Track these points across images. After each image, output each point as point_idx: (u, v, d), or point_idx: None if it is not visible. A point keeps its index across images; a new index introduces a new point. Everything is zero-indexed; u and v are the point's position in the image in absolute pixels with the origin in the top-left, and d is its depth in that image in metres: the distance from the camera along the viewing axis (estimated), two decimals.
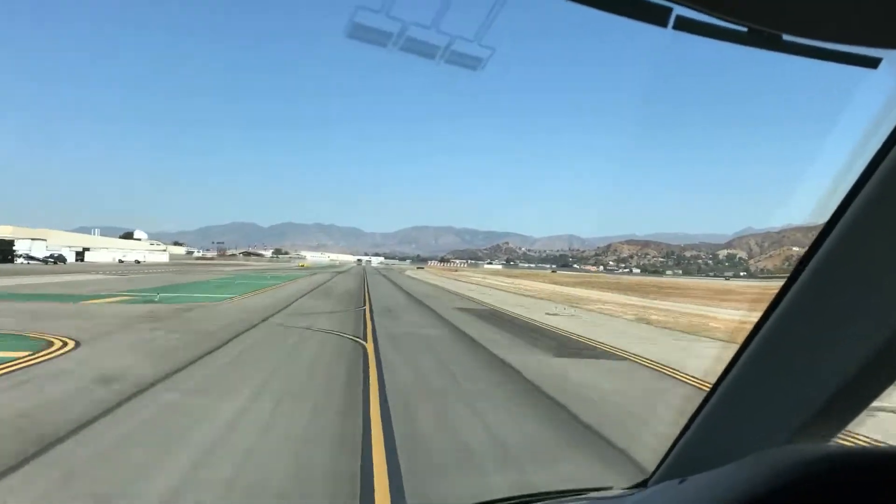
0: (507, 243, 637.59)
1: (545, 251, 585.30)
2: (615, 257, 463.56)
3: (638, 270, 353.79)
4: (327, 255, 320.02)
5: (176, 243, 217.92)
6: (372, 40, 0.88)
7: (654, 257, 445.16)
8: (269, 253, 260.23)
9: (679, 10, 0.66)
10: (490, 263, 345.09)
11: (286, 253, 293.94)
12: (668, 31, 0.69)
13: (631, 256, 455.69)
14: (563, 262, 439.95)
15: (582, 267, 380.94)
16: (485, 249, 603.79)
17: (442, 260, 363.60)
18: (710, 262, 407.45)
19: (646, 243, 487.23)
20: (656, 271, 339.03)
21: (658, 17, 0.68)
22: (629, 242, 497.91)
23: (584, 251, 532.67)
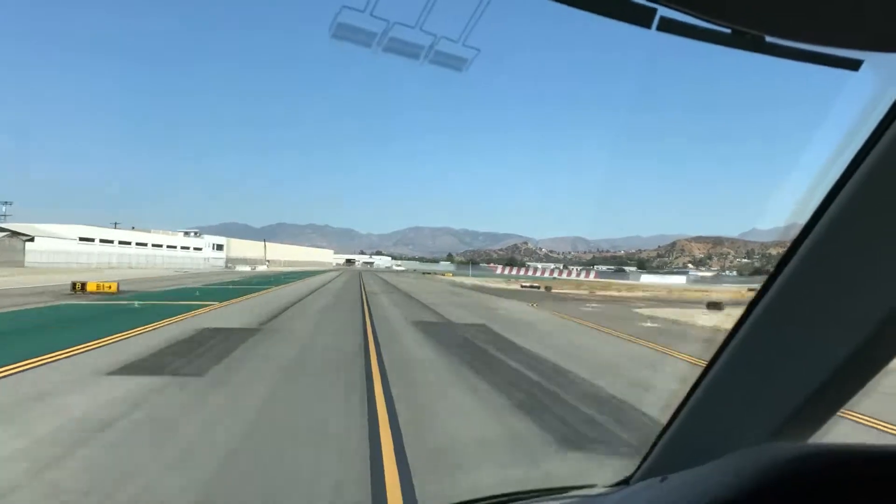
0: (525, 243, 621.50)
1: (569, 252, 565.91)
2: (688, 258, 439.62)
3: None
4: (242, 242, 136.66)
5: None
6: (356, 40, 0.95)
7: (735, 257, 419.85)
8: None
9: (663, 11, 0.70)
10: (623, 269, 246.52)
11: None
12: (653, 32, 0.72)
13: (709, 257, 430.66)
14: (619, 263, 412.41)
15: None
16: (499, 250, 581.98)
17: (508, 263, 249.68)
18: None
19: (718, 240, 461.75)
20: None
21: (642, 17, 0.72)
22: (697, 240, 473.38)
23: (638, 252, 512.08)
